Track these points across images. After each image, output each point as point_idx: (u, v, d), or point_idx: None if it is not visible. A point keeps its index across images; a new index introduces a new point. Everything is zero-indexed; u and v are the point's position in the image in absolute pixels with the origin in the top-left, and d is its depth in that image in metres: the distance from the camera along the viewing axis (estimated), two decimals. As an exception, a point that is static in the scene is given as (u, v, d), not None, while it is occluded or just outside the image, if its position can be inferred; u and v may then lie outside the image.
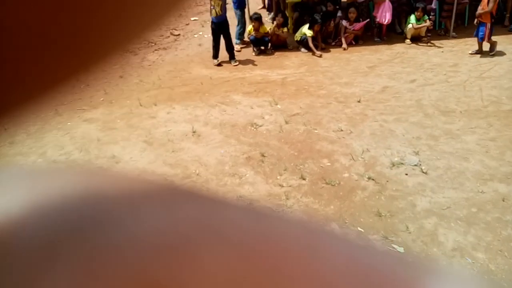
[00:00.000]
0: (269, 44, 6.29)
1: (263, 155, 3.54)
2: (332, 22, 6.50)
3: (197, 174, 3.43)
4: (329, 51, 6.23)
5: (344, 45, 6.25)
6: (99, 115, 4.64)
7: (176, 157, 3.71)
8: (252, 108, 4.46)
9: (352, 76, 5.16)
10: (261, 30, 6.18)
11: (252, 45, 6.30)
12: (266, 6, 8.94)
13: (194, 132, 4.07)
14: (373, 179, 3.00)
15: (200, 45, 6.89)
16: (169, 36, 7.48)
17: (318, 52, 6.02)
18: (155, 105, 4.76)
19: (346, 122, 3.96)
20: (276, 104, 4.50)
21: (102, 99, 5.08)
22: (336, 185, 3.01)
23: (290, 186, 3.09)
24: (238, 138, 3.88)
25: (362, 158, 3.31)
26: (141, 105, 4.78)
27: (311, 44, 6.04)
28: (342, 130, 3.80)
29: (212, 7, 5.81)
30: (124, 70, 6.00)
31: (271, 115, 4.27)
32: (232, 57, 5.93)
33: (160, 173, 3.49)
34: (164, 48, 6.87)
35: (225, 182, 3.28)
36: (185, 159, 3.65)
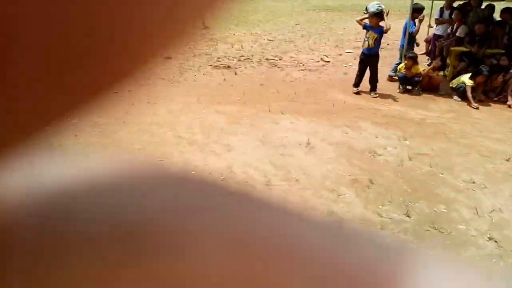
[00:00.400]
0: (418, 86, 5.84)
1: (371, 182, 3.23)
2: (501, 76, 5.70)
3: (296, 180, 3.32)
4: (489, 105, 5.44)
5: (510, 102, 5.37)
6: (230, 110, 4.97)
7: (283, 160, 3.68)
8: (376, 137, 4.16)
9: (508, 134, 4.37)
10: (412, 70, 5.80)
11: (399, 83, 5.95)
12: (428, 51, 8.42)
13: (308, 143, 3.98)
14: (495, 241, 2.41)
15: (345, 73, 6.84)
16: (319, 61, 7.66)
17: (475, 104, 5.31)
18: (282, 113, 4.86)
19: (483, 176, 3.34)
20: (405, 140, 4.09)
21: (238, 98, 5.45)
22: (446, 233, 2.52)
23: (390, 218, 2.72)
24: (351, 160, 3.64)
25: (489, 216, 2.71)
26: (269, 111, 4.94)
27: (469, 93, 5.37)
28: (474, 183, 3.21)
29: (366, 39, 5.73)
30: (269, 81, 6.34)
31: (395, 148, 3.90)
32: (373, 89, 5.70)
33: (260, 170, 3.50)
34: (310, 70, 7.03)
35: (321, 195, 3.09)
36: (291, 165, 3.59)
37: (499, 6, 7.87)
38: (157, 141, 4.12)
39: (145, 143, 4.05)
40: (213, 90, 5.83)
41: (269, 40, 9.73)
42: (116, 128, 4.42)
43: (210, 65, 7.12)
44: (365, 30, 5.72)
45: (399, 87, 5.92)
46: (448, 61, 6.83)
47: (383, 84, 6.03)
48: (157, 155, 3.82)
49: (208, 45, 8.97)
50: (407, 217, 2.72)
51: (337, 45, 9.32)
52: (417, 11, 6.50)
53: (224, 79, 6.35)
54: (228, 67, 7.04)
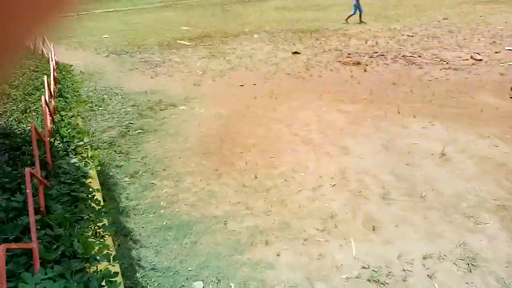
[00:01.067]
0: None
1: (526, 212, 2.50)
2: None
3: (422, 197, 2.78)
4: None
5: None
6: (353, 110, 4.54)
7: (407, 170, 3.14)
8: (539, 154, 3.26)
9: None
10: None
11: None
12: None
13: (443, 154, 3.34)
14: None
15: (502, 74, 5.66)
16: (467, 59, 6.54)
17: None
18: (414, 117, 4.23)
19: None
20: None
21: (364, 97, 4.96)
22: None
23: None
24: (500, 180, 2.91)
25: None
26: (398, 113, 4.36)
27: None
28: None
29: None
30: (402, 80, 5.65)
31: None
32: (540, 93, 4.56)
33: (379, 180, 3.04)
34: (455, 69, 6.04)
35: (452, 219, 2.51)
36: (417, 177, 3.04)
37: None
38: (272, 137, 3.98)
39: (260, 138, 3.96)
40: (338, 87, 5.45)
41: (409, 36, 8.75)
42: (236, 121, 4.44)
43: (339, 61, 6.72)
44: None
45: None
46: None
47: (555, 88, 4.78)
48: (270, 151, 3.67)
49: (340, 40, 8.53)
50: None
51: (494, 41, 7.84)
52: None
53: (352, 76, 5.89)
54: (358, 63, 6.53)
